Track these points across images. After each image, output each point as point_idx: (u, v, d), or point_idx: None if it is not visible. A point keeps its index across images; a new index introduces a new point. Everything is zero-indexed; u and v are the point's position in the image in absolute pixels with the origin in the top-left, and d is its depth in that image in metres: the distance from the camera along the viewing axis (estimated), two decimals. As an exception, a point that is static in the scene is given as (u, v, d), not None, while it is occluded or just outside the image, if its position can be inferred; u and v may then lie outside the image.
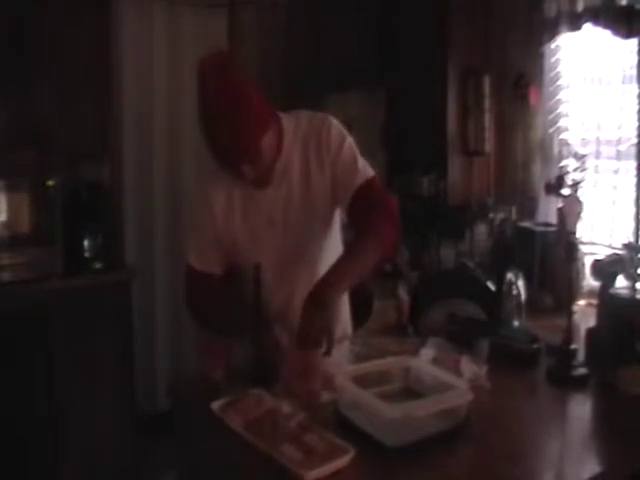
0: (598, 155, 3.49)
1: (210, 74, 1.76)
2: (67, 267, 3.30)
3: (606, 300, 2.13)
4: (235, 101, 1.74)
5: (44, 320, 3.14)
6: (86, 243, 3.39)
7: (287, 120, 1.96)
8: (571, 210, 2.11)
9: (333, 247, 2.08)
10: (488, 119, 4.00)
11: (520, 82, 3.83)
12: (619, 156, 3.39)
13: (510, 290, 2.41)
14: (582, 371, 1.97)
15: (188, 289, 2.06)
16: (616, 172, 3.42)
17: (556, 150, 3.69)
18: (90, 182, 3.50)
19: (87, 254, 3.39)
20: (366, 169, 1.97)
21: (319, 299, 1.63)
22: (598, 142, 3.49)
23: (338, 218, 2.10)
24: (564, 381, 1.94)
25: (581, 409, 1.87)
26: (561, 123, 3.73)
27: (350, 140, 1.99)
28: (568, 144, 3.58)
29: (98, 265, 3.42)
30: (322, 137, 1.96)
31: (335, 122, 1.99)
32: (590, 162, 3.32)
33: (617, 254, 2.31)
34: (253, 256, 1.93)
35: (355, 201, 1.92)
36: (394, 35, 4.26)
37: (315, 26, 4.19)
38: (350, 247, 1.85)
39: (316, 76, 4.04)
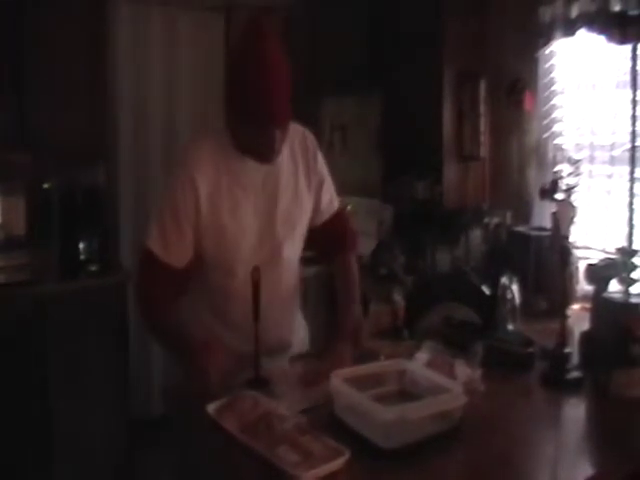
0: (592, 160, 3.51)
1: (259, 36, 1.78)
2: (63, 270, 3.30)
3: (600, 304, 2.15)
4: (280, 65, 1.78)
5: (40, 322, 3.14)
6: (82, 246, 3.38)
7: None
8: (565, 215, 2.12)
9: (297, 255, 2.13)
10: (483, 124, 4.02)
11: (515, 87, 3.85)
12: (613, 161, 3.41)
13: (505, 294, 2.42)
14: (576, 374, 1.98)
15: (144, 275, 1.95)
16: (610, 177, 3.44)
17: (551, 155, 3.71)
18: (86, 185, 3.49)
19: (83, 257, 3.39)
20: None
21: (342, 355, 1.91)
22: (592, 147, 3.51)
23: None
24: (558, 384, 1.95)
25: (575, 412, 1.88)
26: (555, 128, 3.75)
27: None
28: (562, 149, 3.60)
29: (94, 268, 3.41)
30: (308, 142, 2.05)
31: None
32: (584, 167, 3.34)
33: (611, 258, 2.32)
34: (238, 240, 1.92)
35: (328, 224, 2.15)
36: (390, 40, 4.28)
37: (311, 30, 4.20)
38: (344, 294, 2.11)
39: (312, 80, 4.06)
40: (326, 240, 2.17)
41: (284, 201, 1.98)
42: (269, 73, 1.75)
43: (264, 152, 1.85)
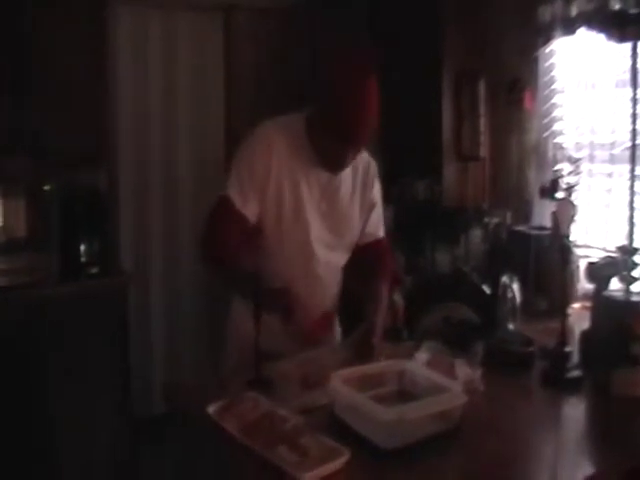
0: (592, 159, 3.50)
1: (366, 67, 1.93)
2: (63, 272, 3.29)
3: (600, 303, 2.14)
4: (376, 98, 1.94)
5: (40, 325, 3.14)
6: (82, 248, 3.38)
7: None
8: (565, 213, 2.12)
9: (340, 263, 2.25)
10: (483, 123, 4.02)
11: (515, 86, 3.84)
12: (613, 160, 3.41)
13: (505, 293, 2.41)
14: (576, 373, 1.98)
15: (219, 220, 2.02)
16: (610, 176, 3.43)
17: (551, 154, 3.70)
18: (86, 187, 3.49)
19: (83, 259, 3.38)
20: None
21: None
22: (592, 146, 3.51)
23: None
24: (558, 383, 1.95)
25: (575, 411, 1.88)
26: (555, 127, 3.75)
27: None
28: (562, 148, 3.60)
29: (94, 270, 3.41)
30: (371, 169, 2.23)
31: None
32: (584, 166, 3.34)
33: (611, 257, 2.32)
34: (293, 225, 2.04)
35: (370, 247, 2.26)
36: (388, 39, 4.27)
37: (310, 31, 4.20)
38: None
39: (311, 80, 4.06)
40: (363, 262, 2.26)
41: (339, 210, 2.13)
42: (369, 108, 1.91)
43: (334, 164, 2.03)
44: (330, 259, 2.16)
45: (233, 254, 1.99)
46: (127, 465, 3.44)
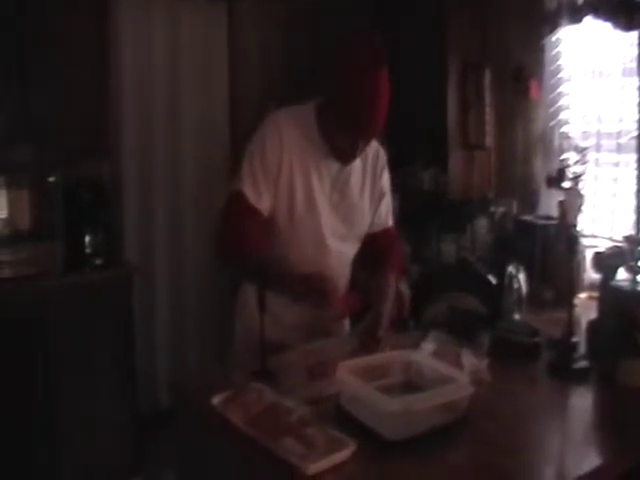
0: (599, 148, 3.49)
1: (378, 58, 1.90)
2: (68, 263, 3.30)
3: (607, 293, 2.13)
4: (388, 88, 1.94)
5: (44, 316, 3.14)
6: (87, 239, 3.38)
7: None
8: (572, 203, 2.10)
9: (351, 254, 2.24)
10: (489, 113, 4.01)
11: (521, 75, 3.83)
12: (620, 149, 3.40)
13: (511, 284, 2.41)
14: (583, 364, 1.97)
15: (233, 214, 2.01)
16: (617, 165, 3.42)
17: (557, 143, 3.69)
18: (90, 178, 3.49)
19: (88, 250, 3.39)
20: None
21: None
22: (599, 135, 3.49)
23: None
24: (565, 374, 1.94)
25: (582, 402, 1.87)
26: (562, 116, 3.73)
27: None
28: (569, 137, 3.58)
29: (98, 261, 3.42)
30: (380, 158, 2.23)
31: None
32: (591, 155, 3.32)
33: (618, 247, 2.31)
34: (304, 214, 2.04)
35: (378, 236, 2.25)
36: (394, 29, 4.25)
37: (315, 19, 4.18)
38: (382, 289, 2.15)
39: (315, 69, 4.04)
40: (372, 251, 2.25)
41: (350, 200, 2.13)
42: (380, 97, 1.91)
43: (345, 155, 2.02)
44: (342, 250, 2.16)
45: (251, 249, 1.97)
46: (132, 460, 3.45)
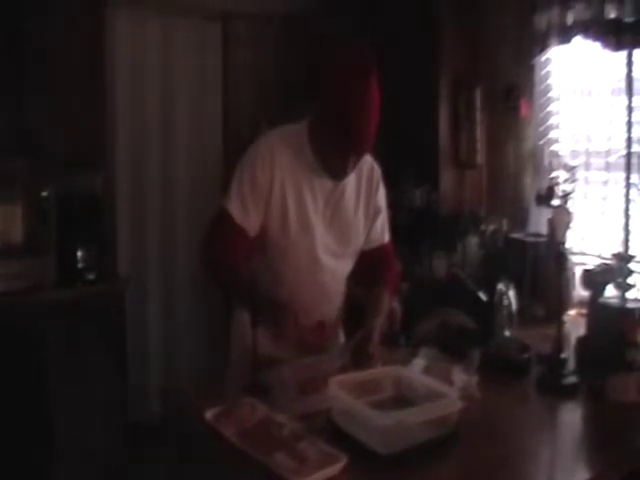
0: (588, 166, 3.52)
1: (366, 72, 1.91)
2: (60, 277, 3.29)
3: (596, 309, 2.16)
4: (377, 103, 1.93)
5: (37, 330, 3.13)
6: (79, 254, 3.37)
7: None
8: (561, 221, 2.13)
9: (345, 271, 2.22)
10: (479, 131, 4.03)
11: (511, 94, 3.86)
12: (608, 167, 3.42)
13: (501, 300, 2.42)
14: (572, 380, 1.98)
15: (218, 234, 2.01)
16: (605, 183, 3.45)
17: (546, 161, 3.72)
18: (83, 192, 3.48)
19: (80, 265, 3.38)
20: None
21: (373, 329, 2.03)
22: (588, 153, 3.52)
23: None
24: (554, 390, 1.96)
25: (571, 417, 1.89)
26: (551, 135, 3.76)
27: None
28: (558, 155, 3.61)
29: (91, 276, 3.41)
30: (374, 174, 2.22)
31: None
32: (580, 173, 3.35)
33: (607, 264, 2.33)
34: (298, 233, 2.02)
35: (374, 252, 2.23)
36: (385, 47, 4.28)
37: (308, 38, 4.21)
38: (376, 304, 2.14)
39: (310, 86, 4.07)
40: (367, 267, 2.24)
41: (344, 217, 2.12)
42: (370, 111, 1.90)
43: (337, 171, 2.00)
44: (336, 267, 2.15)
45: (232, 266, 1.99)
46: (122, 470, 3.43)
